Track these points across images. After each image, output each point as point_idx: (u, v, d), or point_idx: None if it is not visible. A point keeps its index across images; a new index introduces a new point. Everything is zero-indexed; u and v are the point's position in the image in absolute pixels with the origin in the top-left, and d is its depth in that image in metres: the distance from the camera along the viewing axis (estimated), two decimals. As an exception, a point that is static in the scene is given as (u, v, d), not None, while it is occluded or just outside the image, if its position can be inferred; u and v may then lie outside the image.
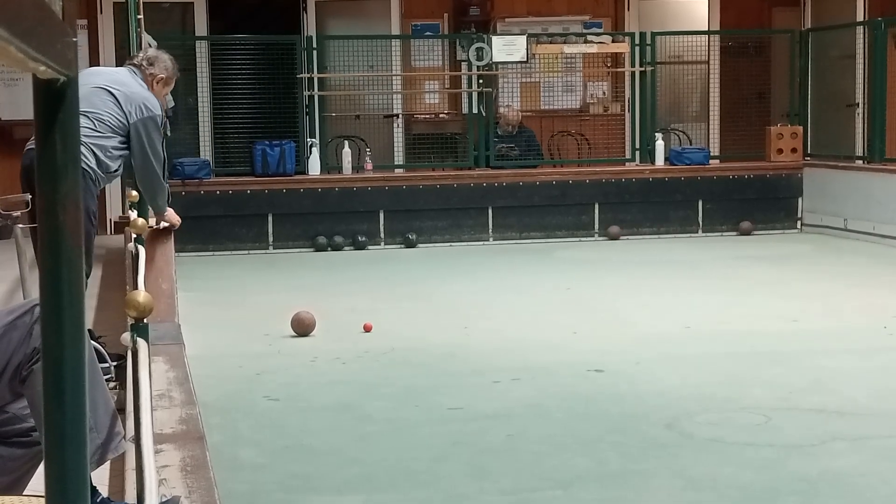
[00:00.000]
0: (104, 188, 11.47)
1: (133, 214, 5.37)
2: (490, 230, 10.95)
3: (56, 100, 1.00)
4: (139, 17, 6.78)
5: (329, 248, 10.57)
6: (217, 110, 11.29)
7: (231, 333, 6.90)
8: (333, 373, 5.88)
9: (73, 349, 1.05)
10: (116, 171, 5.40)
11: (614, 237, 10.89)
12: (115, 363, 4.83)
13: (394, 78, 11.80)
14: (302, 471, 4.35)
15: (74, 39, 1.02)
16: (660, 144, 11.45)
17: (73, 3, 1.03)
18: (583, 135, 12.22)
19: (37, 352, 2.77)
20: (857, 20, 11.62)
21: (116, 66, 11.39)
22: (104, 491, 3.33)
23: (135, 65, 5.59)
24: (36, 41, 0.86)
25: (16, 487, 2.97)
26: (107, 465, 3.29)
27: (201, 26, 11.89)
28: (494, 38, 11.29)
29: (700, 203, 11.28)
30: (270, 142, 10.80)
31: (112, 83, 5.35)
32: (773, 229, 11.40)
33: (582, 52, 11.82)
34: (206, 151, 11.29)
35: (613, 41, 11.87)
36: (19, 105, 10.73)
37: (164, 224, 5.93)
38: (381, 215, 10.80)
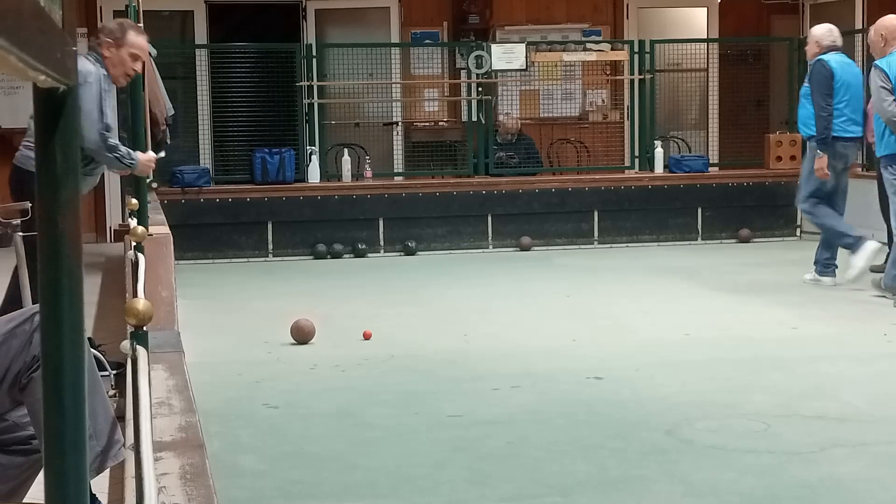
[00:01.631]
0: (100, 193, 11.46)
1: (133, 222, 5.37)
2: (489, 237, 10.96)
3: (56, 108, 1.00)
4: (139, 25, 6.78)
5: (328, 256, 10.58)
6: (217, 118, 11.30)
7: (230, 341, 6.90)
8: (333, 380, 5.88)
9: (72, 356, 1.05)
10: (88, 166, 5.25)
11: (525, 248, 10.84)
12: (114, 371, 4.83)
13: (393, 86, 11.82)
14: (302, 477, 4.35)
15: (74, 48, 1.03)
16: (659, 152, 11.46)
17: (72, 12, 1.03)
18: (582, 142, 12.23)
19: (36, 360, 2.78)
20: (856, 28, 11.63)
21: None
22: (104, 499, 3.34)
23: (90, 46, 5.50)
24: (36, 50, 0.87)
25: (16, 495, 2.98)
26: (106, 473, 3.29)
27: (201, 34, 11.91)
28: (494, 46, 11.31)
29: (699, 210, 11.29)
30: (270, 149, 10.81)
31: None
32: (772, 237, 11.41)
33: (581, 60, 11.84)
34: (205, 159, 11.30)
35: (612, 49, 11.89)
36: (19, 113, 10.74)
37: (149, 162, 5.59)
38: (381, 223, 10.80)
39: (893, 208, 7.76)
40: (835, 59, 8.29)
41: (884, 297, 7.75)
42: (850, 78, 8.33)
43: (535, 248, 10.91)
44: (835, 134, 8.21)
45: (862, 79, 8.51)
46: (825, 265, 8.43)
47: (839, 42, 8.45)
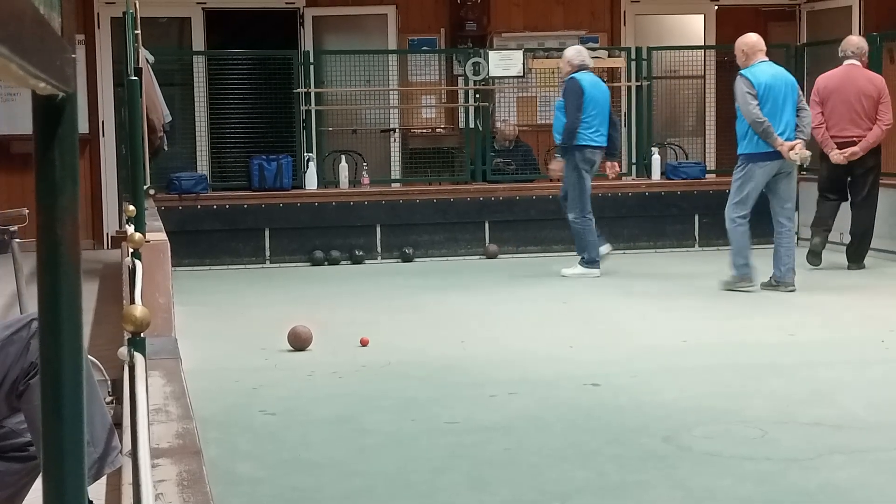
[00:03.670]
0: (98, 200, 11.48)
1: (130, 229, 5.37)
2: (487, 244, 10.95)
3: (55, 115, 1.00)
4: (136, 32, 6.79)
5: (326, 263, 10.57)
6: (214, 125, 11.30)
7: (228, 348, 6.89)
8: (331, 386, 5.88)
9: (71, 363, 1.05)
10: None
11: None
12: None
13: (391, 92, 11.82)
14: (300, 484, 4.35)
15: (73, 56, 1.03)
16: (656, 159, 11.47)
17: (71, 19, 1.04)
18: (579, 149, 12.21)
19: (34, 366, 2.77)
20: (853, 35, 11.63)
21: (114, 81, 11.44)
22: (101, 506, 3.33)
23: None
24: (36, 58, 0.87)
25: (14, 501, 2.97)
26: (103, 479, 3.29)
27: (198, 41, 11.91)
28: (491, 53, 11.31)
29: (696, 217, 11.28)
30: (267, 156, 10.81)
31: None
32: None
33: (578, 67, 11.82)
34: (203, 166, 11.30)
35: (610, 56, 11.90)
36: (16, 119, 10.74)
37: None
38: (378, 229, 10.80)
39: (732, 201, 8.65)
40: (585, 78, 9.46)
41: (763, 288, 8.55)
42: (599, 94, 9.51)
43: (532, 254, 10.91)
44: (584, 143, 9.37)
45: (608, 95, 9.72)
46: (590, 261, 9.54)
47: (588, 62, 9.65)
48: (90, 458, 2.81)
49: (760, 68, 8.59)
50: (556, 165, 9.61)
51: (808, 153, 8.51)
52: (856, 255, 9.66)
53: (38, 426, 2.35)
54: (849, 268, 9.57)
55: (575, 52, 9.65)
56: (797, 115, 8.52)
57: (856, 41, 9.71)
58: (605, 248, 9.62)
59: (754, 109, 8.40)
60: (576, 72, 9.48)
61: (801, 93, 8.65)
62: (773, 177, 8.52)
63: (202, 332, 7.12)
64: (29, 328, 2.83)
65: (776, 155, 8.39)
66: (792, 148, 8.35)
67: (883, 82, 9.59)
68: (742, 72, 8.68)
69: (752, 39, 8.83)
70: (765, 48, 8.80)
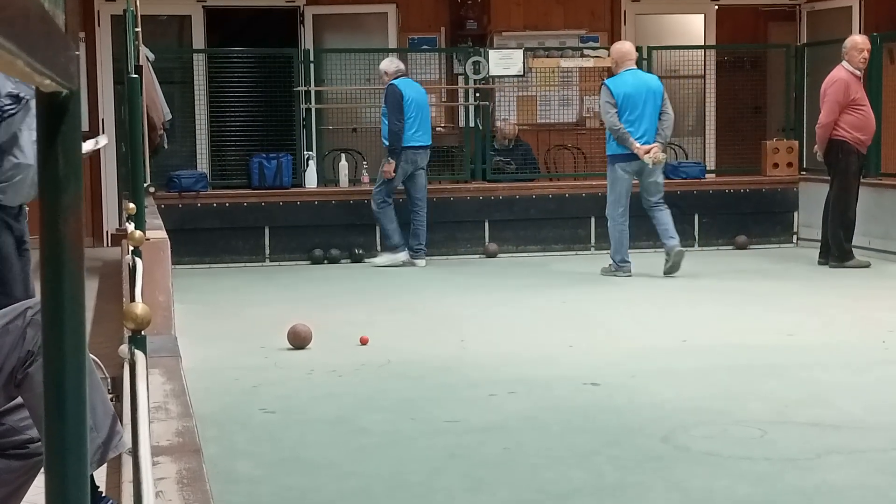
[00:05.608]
0: (98, 198, 11.46)
1: (130, 227, 5.37)
2: (486, 243, 10.95)
3: (59, 113, 1.00)
4: (137, 29, 6.79)
5: (326, 261, 10.58)
6: (214, 123, 11.30)
7: (227, 346, 6.89)
8: (330, 385, 5.88)
9: (73, 360, 1.05)
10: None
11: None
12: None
13: (391, 91, 11.81)
14: (298, 483, 4.35)
15: (77, 53, 1.03)
16: (656, 158, 11.46)
17: (74, 16, 1.04)
18: (579, 148, 12.24)
19: (31, 354, 2.77)
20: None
21: (114, 79, 11.44)
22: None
23: None
24: (41, 55, 0.87)
25: (12, 499, 2.97)
26: (104, 478, 3.30)
27: (199, 39, 11.91)
28: (491, 52, 11.31)
29: (696, 217, 11.29)
30: (267, 154, 10.81)
31: None
32: (769, 243, 11.41)
33: (578, 66, 11.85)
34: (202, 164, 11.30)
35: (610, 55, 11.89)
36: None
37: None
38: (378, 228, 10.79)
39: (609, 200, 9.53)
40: (404, 84, 10.12)
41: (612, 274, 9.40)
42: (419, 98, 10.16)
43: (532, 253, 10.91)
44: (407, 144, 10.02)
45: (426, 97, 10.30)
46: (416, 250, 10.16)
47: (403, 69, 10.33)
48: (94, 444, 2.81)
49: (623, 78, 9.36)
50: (388, 167, 10.05)
51: (664, 156, 9.33)
52: (823, 251, 9.91)
53: (40, 413, 2.35)
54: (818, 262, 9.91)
55: (388, 62, 10.35)
56: (659, 119, 9.26)
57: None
58: (402, 255, 10.09)
59: (612, 118, 9.24)
60: (394, 79, 10.08)
61: (665, 97, 9.39)
62: (641, 175, 9.32)
63: (202, 331, 7.12)
64: (24, 317, 2.82)
65: (635, 156, 9.20)
66: (647, 151, 9.15)
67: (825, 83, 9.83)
68: (605, 82, 9.58)
69: (622, 49, 9.62)
70: (634, 58, 9.66)
